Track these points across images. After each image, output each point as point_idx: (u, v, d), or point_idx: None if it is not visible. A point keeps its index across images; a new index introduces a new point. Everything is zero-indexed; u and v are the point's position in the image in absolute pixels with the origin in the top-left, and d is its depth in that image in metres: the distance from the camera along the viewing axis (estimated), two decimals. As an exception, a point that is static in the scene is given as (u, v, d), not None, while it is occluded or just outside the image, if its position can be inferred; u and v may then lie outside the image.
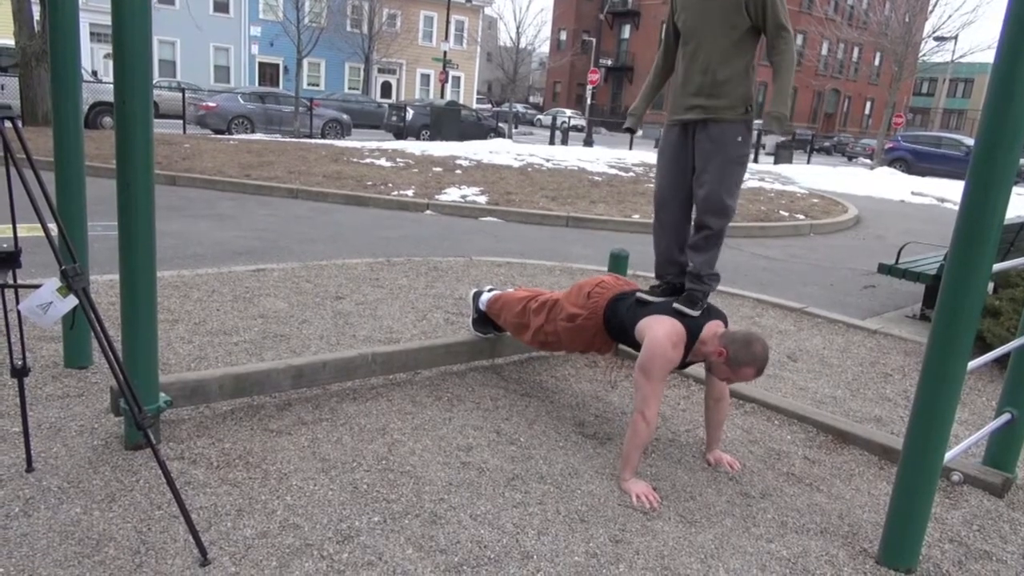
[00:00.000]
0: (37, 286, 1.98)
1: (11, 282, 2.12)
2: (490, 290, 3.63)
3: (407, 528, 2.31)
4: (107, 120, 15.98)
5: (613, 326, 2.97)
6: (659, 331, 2.68)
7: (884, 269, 5.72)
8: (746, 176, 2.93)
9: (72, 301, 1.93)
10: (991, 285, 5.36)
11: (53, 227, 2.04)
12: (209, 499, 2.36)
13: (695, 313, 2.76)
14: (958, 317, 2.16)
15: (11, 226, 2.18)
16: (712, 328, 2.75)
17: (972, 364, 2.30)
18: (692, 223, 2.96)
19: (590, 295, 3.04)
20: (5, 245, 2.10)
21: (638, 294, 2.93)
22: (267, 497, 2.41)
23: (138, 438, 2.60)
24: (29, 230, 4.13)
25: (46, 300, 1.90)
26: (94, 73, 24.47)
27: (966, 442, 2.67)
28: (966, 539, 2.56)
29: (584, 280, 3.16)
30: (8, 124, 1.95)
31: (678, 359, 2.71)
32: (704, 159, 2.85)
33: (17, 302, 2.06)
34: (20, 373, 2.29)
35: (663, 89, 3.25)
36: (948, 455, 2.34)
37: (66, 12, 2.92)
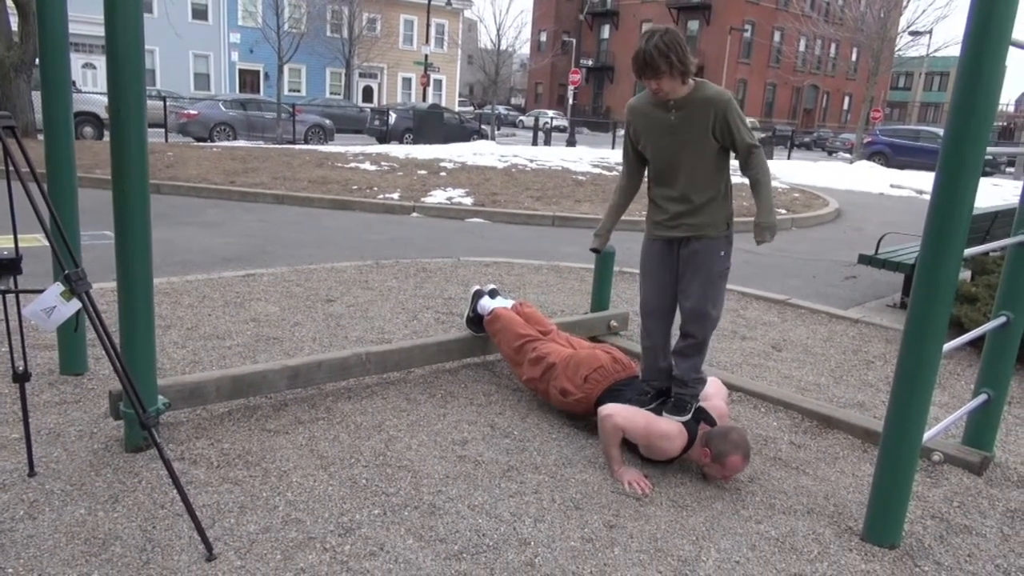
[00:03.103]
0: (40, 291, 2.02)
1: (13, 288, 2.16)
2: (492, 292, 3.67)
3: (407, 520, 2.37)
4: (88, 130, 15.90)
5: None
6: (674, 428, 2.78)
7: (864, 260, 5.84)
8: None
9: (75, 305, 1.97)
10: (969, 273, 5.50)
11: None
12: (211, 497, 2.41)
13: (684, 419, 2.83)
14: (932, 301, 2.25)
15: (11, 235, 2.21)
16: (702, 432, 2.82)
17: (948, 346, 2.38)
18: (679, 331, 2.96)
19: (587, 379, 3.07)
20: (6, 252, 2.14)
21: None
22: (268, 494, 2.46)
23: (139, 440, 2.64)
24: (24, 241, 4.13)
25: (50, 304, 1.94)
26: (72, 83, 24.30)
27: (944, 422, 2.77)
28: (947, 515, 2.66)
29: (583, 355, 3.17)
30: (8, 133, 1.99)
31: (667, 455, 2.80)
32: (689, 272, 2.88)
33: (19, 308, 2.10)
34: (22, 378, 2.32)
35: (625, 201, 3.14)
36: (927, 435, 2.44)
37: (55, 23, 2.95)
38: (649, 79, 2.66)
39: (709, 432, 2.74)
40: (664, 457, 2.82)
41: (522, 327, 3.42)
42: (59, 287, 1.95)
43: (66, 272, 1.95)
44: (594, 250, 3.14)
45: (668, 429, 2.77)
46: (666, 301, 2.98)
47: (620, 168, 3.13)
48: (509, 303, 3.64)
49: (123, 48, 2.33)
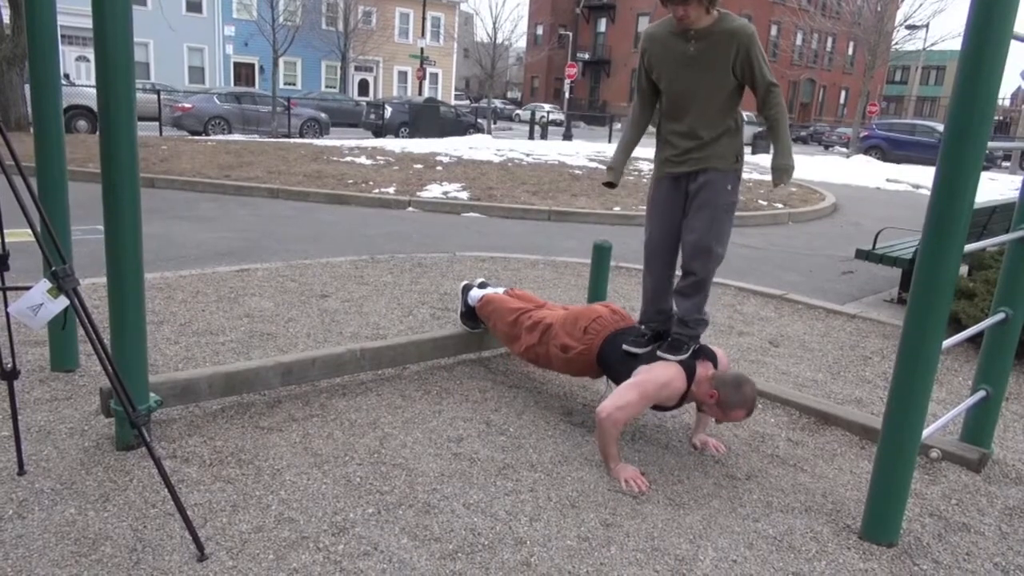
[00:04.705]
0: (27, 288, 1.99)
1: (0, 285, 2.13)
2: (481, 284, 3.64)
3: (401, 518, 2.34)
4: (81, 124, 15.79)
5: (606, 364, 2.99)
6: (670, 369, 2.74)
7: (861, 255, 5.82)
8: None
9: (63, 302, 1.94)
10: (966, 268, 5.48)
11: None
12: (203, 496, 2.38)
13: (678, 359, 2.78)
14: (932, 297, 2.23)
15: (-3, 229, 2.18)
16: (703, 370, 2.79)
17: (947, 342, 2.36)
18: (681, 269, 2.93)
19: (586, 330, 3.03)
20: (-7, 248, 2.11)
21: (624, 346, 2.91)
22: (261, 493, 2.43)
23: (130, 438, 2.61)
24: (11, 235, 4.07)
25: (37, 302, 1.91)
26: (66, 76, 24.14)
27: (943, 419, 2.75)
28: (945, 513, 2.64)
29: (581, 309, 3.15)
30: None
31: (674, 399, 2.76)
32: (695, 207, 2.85)
33: (6, 304, 2.06)
34: (10, 375, 2.29)
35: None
36: (926, 432, 2.42)
37: (44, 16, 2.90)
38: (676, 5, 2.64)
39: (722, 376, 2.69)
40: (671, 403, 2.79)
41: (514, 303, 3.40)
42: (46, 284, 1.92)
43: (53, 268, 1.91)
44: (608, 184, 3.07)
45: (663, 378, 2.71)
46: (671, 240, 2.96)
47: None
48: (500, 290, 3.62)
49: (111, 39, 2.29)
